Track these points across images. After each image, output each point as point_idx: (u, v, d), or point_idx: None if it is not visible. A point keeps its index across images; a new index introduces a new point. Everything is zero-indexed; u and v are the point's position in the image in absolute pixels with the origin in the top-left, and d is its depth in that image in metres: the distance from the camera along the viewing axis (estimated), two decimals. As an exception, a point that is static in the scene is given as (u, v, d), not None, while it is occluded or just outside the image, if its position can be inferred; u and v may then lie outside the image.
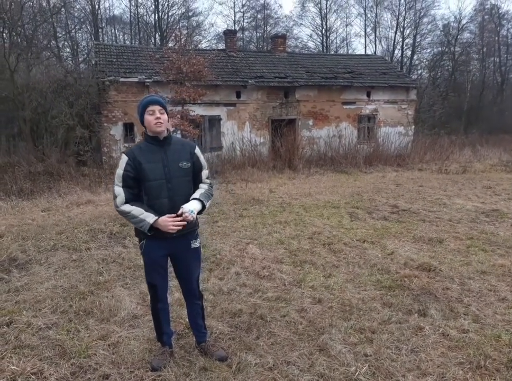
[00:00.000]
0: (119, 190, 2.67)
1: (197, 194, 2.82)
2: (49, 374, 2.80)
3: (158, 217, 2.62)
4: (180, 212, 2.64)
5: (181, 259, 2.90)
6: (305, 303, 3.90)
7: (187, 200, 2.77)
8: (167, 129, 2.81)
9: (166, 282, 2.95)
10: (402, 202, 8.50)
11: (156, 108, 2.71)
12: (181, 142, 2.96)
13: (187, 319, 3.25)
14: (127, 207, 2.65)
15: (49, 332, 3.39)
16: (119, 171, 2.68)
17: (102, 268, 4.90)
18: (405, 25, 37.11)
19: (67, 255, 5.37)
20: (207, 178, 2.95)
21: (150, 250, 2.79)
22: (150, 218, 2.61)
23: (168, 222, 2.61)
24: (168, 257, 2.91)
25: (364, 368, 2.84)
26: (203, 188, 2.89)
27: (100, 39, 29.96)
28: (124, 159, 2.69)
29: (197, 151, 2.91)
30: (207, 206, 2.83)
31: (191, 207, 2.67)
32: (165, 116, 2.75)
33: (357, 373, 2.77)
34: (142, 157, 2.70)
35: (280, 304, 3.88)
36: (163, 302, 2.96)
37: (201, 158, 2.92)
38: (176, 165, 2.76)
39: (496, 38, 37.63)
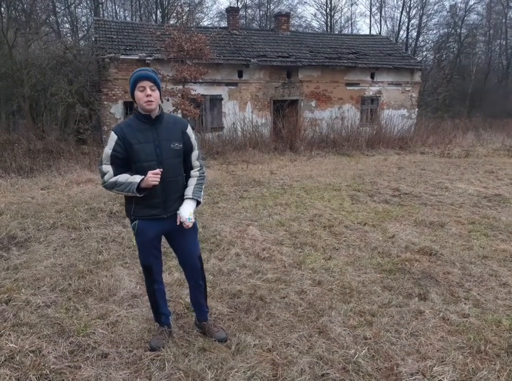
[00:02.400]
0: (107, 168, 2.59)
1: (189, 191, 2.75)
2: (48, 352, 2.79)
3: (144, 177, 2.55)
4: (178, 222, 2.69)
5: (177, 235, 2.81)
6: (305, 285, 3.88)
7: (178, 182, 2.73)
8: (159, 106, 2.67)
9: (160, 263, 2.91)
10: (404, 185, 8.43)
11: (147, 84, 2.55)
12: (173, 119, 2.81)
13: (186, 299, 3.24)
14: (113, 178, 2.58)
15: (48, 310, 3.38)
16: (107, 150, 2.58)
17: (101, 247, 4.89)
18: (411, 5, 36.42)
19: (66, 234, 5.35)
20: (197, 159, 2.83)
21: (143, 230, 2.71)
22: (137, 178, 2.55)
23: (149, 175, 2.53)
24: (166, 238, 2.87)
25: (363, 351, 2.83)
26: (194, 176, 2.80)
27: (100, 15, 29.38)
28: (113, 137, 2.57)
29: (189, 130, 2.78)
30: (201, 200, 2.79)
31: (187, 215, 2.67)
32: (157, 93, 2.60)
33: (356, 356, 2.76)
34: (133, 137, 2.58)
35: (279, 286, 3.86)
36: (158, 283, 2.92)
37: (192, 138, 2.79)
38: (168, 145, 2.65)
39: (504, 20, 36.93)
